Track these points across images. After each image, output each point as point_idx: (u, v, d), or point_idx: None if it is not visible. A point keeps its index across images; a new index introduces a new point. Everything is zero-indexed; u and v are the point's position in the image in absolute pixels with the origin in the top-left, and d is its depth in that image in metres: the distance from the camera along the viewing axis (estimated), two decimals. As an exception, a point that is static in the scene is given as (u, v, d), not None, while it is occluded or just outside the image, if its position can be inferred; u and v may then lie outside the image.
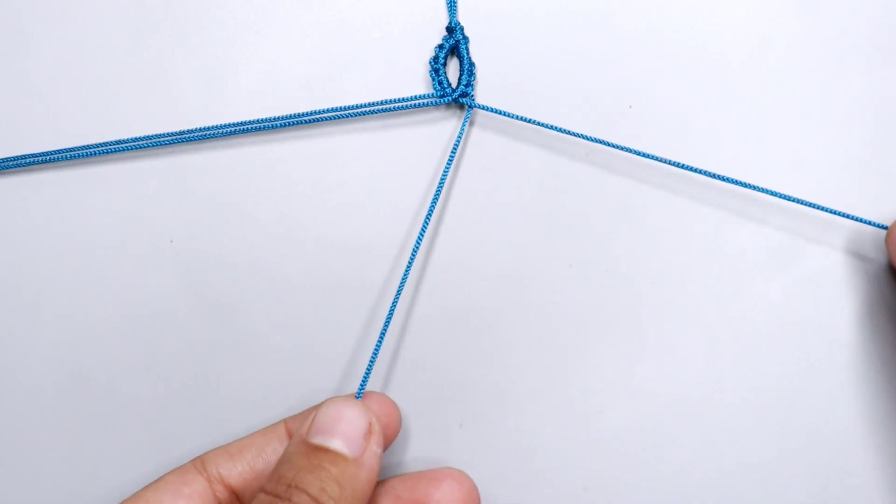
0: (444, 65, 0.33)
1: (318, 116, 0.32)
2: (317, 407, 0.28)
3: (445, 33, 0.33)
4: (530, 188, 0.33)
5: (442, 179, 0.32)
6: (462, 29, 0.33)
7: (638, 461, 0.32)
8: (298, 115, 0.32)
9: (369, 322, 0.33)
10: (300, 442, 0.27)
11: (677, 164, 0.32)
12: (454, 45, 0.33)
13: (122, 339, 0.33)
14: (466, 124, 0.33)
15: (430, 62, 0.33)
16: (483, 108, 0.33)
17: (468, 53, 0.33)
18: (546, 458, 0.32)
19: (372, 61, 0.33)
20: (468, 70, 0.33)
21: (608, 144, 0.32)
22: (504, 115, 0.32)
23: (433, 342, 0.33)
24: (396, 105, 0.32)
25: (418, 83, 0.33)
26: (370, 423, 0.27)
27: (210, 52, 0.33)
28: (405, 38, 0.34)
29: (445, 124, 0.33)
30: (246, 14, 0.34)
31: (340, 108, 0.32)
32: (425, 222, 0.32)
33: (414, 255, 0.32)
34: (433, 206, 0.32)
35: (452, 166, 0.33)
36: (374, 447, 0.27)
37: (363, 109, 0.32)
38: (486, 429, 0.32)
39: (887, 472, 0.32)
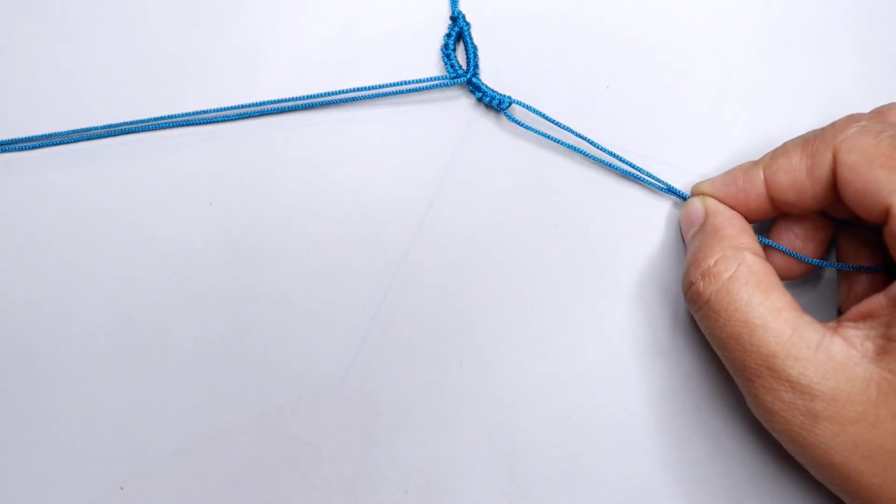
0: (454, 50, 0.34)
1: (352, 96, 0.34)
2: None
3: (450, 22, 0.35)
4: (520, 156, 0.35)
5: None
6: (464, 17, 0.35)
7: (613, 393, 0.34)
8: (340, 92, 0.33)
9: (382, 273, 0.35)
10: None
11: (643, 172, 0.34)
12: (459, 32, 0.34)
13: (168, 290, 0.34)
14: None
15: (441, 49, 0.34)
16: (520, 103, 0.34)
17: (471, 38, 0.34)
18: (534, 391, 0.34)
19: (383, 49, 0.35)
20: (473, 53, 0.34)
21: (606, 152, 0.34)
22: (535, 112, 0.34)
23: (439, 293, 0.35)
24: (420, 86, 0.34)
25: (423, 66, 0.35)
26: None
27: (243, 41, 0.35)
28: (412, 28, 0.35)
29: (447, 103, 0.35)
30: (275, 8, 0.35)
31: (372, 86, 0.34)
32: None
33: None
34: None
35: (457, 146, 0.35)
36: None
37: (393, 89, 0.34)
38: (482, 366, 0.34)
39: None
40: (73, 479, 0.34)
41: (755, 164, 0.31)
